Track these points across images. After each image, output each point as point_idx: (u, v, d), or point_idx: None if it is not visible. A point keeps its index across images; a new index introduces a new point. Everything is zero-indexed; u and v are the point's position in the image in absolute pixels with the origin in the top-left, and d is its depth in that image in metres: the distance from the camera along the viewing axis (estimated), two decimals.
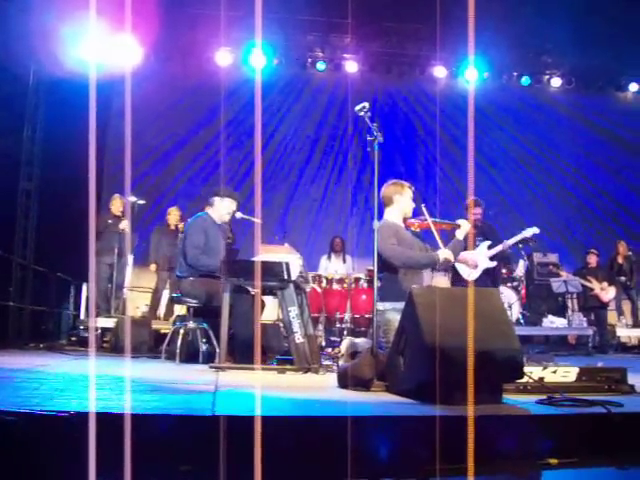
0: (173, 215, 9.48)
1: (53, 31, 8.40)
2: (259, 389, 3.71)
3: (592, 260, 10.39)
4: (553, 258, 10.83)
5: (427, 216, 5.30)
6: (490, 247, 7.53)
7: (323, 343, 7.72)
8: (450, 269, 7.56)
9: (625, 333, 10.50)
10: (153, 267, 9.36)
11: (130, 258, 9.38)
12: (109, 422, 2.42)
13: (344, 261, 9.62)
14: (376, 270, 4.37)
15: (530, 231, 7.66)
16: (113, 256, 8.74)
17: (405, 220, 5.33)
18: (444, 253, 5.18)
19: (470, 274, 7.21)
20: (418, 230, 5.34)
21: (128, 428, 2.35)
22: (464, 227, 5.40)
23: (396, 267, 5.04)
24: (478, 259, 7.34)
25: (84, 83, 3.97)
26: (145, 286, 9.91)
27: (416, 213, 5.46)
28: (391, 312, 4.69)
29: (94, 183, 3.45)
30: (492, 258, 7.51)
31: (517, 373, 3.41)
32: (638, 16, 9.61)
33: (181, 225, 9.01)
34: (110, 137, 9.47)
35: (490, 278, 7.53)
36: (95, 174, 3.49)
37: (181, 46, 10.62)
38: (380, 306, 4.68)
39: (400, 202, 5.31)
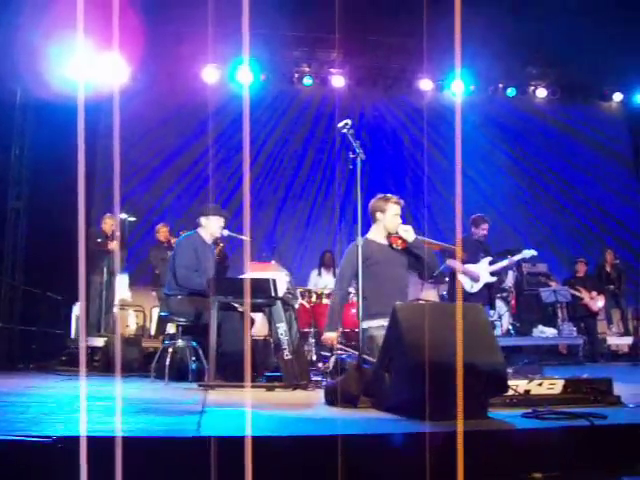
0: (162, 232, 9.50)
1: (39, 51, 8.42)
2: (246, 408, 3.71)
3: (581, 269, 10.46)
4: (542, 268, 10.90)
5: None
6: (491, 263, 7.70)
7: (314, 357, 7.72)
8: (450, 280, 7.69)
9: (615, 341, 10.56)
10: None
11: (125, 277, 9.39)
12: (93, 446, 2.41)
13: (334, 275, 9.61)
14: (360, 288, 4.37)
15: (529, 253, 8.02)
16: (103, 275, 8.76)
17: (390, 236, 5.28)
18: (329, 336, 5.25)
19: (472, 286, 7.42)
20: (400, 248, 5.26)
21: (116, 451, 2.35)
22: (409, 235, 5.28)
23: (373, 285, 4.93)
24: (480, 273, 7.55)
25: (71, 102, 3.97)
26: (135, 304, 9.91)
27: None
28: (375, 329, 4.69)
29: (83, 202, 3.45)
30: (492, 274, 7.68)
31: (502, 387, 3.43)
32: (622, 26, 9.71)
33: (173, 240, 9.03)
34: (98, 155, 9.46)
35: (488, 293, 7.70)
36: (84, 193, 3.51)
37: (168, 63, 10.65)
38: (364, 324, 4.64)
39: (382, 220, 5.28)
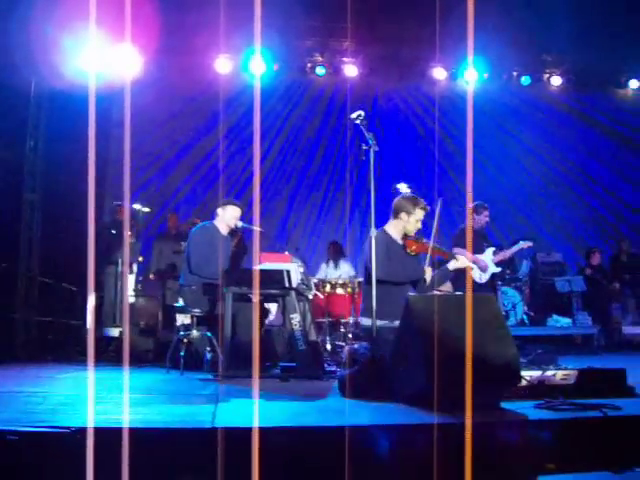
0: (171, 220, 9.58)
1: (53, 42, 8.44)
2: (260, 399, 3.73)
3: (595, 259, 10.42)
4: (557, 257, 10.85)
5: (428, 239, 5.26)
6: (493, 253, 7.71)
7: (328, 347, 7.74)
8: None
9: (630, 331, 10.48)
10: (152, 276, 9.40)
11: (135, 267, 9.42)
12: (109, 437, 2.45)
13: (336, 266, 9.54)
14: (375, 282, 4.36)
15: (525, 244, 8.07)
16: (117, 266, 8.80)
17: (405, 238, 5.22)
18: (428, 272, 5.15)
19: (481, 277, 7.40)
20: (413, 254, 5.20)
21: (127, 443, 2.37)
22: (461, 262, 5.28)
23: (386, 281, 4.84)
24: (488, 263, 7.53)
25: (85, 94, 4.00)
26: (150, 295, 9.94)
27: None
28: (383, 326, 4.59)
29: (93, 192, 3.48)
30: (497, 264, 7.68)
31: (514, 378, 3.43)
32: (637, 13, 9.59)
33: (183, 227, 9.07)
34: (113, 146, 9.50)
35: (492, 283, 7.69)
36: (97, 183, 3.53)
37: (180, 54, 10.62)
38: (371, 322, 4.50)
39: (405, 221, 5.22)
